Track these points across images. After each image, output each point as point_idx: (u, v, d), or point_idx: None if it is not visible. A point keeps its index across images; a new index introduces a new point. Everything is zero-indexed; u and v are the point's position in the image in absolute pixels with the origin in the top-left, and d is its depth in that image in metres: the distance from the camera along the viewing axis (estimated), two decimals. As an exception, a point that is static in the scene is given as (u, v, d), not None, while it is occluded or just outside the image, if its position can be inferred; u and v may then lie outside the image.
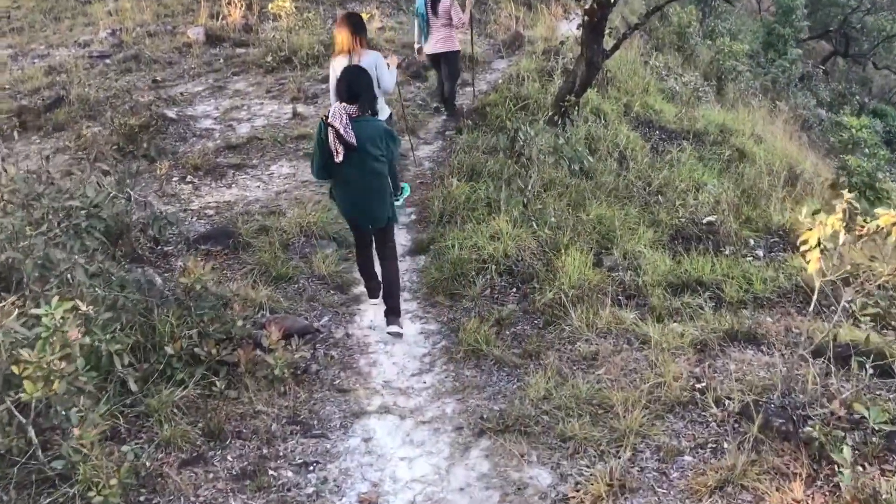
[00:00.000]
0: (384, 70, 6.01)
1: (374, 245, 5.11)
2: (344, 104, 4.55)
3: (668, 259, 5.87)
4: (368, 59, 5.85)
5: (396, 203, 6.51)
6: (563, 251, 5.67)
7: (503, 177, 7.12)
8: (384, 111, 6.23)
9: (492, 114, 8.90)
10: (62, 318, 3.42)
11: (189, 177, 7.60)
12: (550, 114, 8.31)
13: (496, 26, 13.43)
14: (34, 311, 3.51)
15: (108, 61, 11.37)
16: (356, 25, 6.02)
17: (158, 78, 10.73)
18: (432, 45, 8.69)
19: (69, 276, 3.89)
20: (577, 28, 8.38)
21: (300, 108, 9.28)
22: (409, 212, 6.81)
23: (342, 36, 5.97)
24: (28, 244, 3.92)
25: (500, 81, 10.16)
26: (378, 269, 5.14)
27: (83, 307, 3.54)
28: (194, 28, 12.04)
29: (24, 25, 13.79)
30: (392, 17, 13.57)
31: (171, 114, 9.06)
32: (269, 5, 11.75)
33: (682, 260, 5.90)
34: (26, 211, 4.63)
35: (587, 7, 7.69)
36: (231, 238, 6.03)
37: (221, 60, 11.30)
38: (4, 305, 3.41)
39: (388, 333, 4.95)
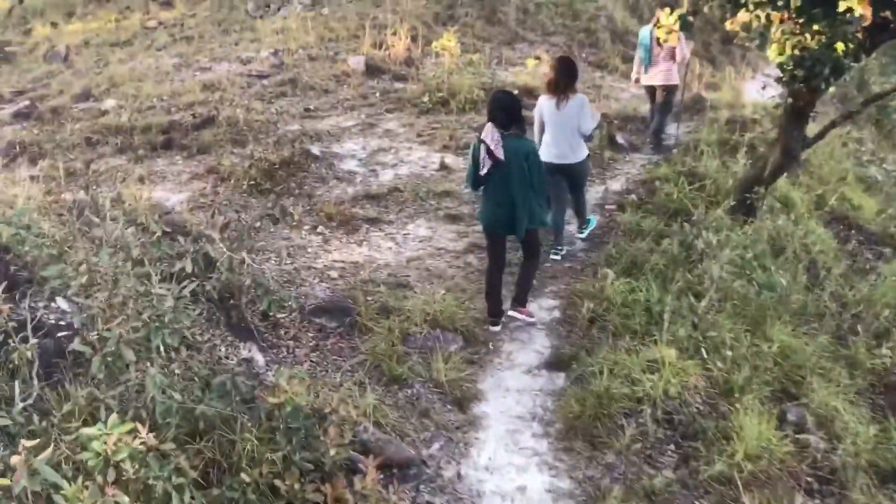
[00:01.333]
0: (586, 114, 6.46)
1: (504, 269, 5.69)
2: (495, 124, 5.08)
3: (870, 426, 4.68)
4: (574, 102, 6.37)
5: (580, 235, 7.11)
6: (737, 396, 4.62)
7: (670, 278, 6.12)
8: (583, 151, 6.63)
9: (661, 190, 7.88)
10: (116, 445, 2.82)
11: (321, 227, 7.07)
12: (732, 203, 7.19)
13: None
14: (86, 430, 2.92)
15: (265, 82, 11.23)
16: (567, 70, 6.49)
17: (311, 106, 10.43)
18: (652, 77, 8.98)
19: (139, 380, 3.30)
20: (771, 98, 7.36)
21: (448, 160, 8.61)
22: (552, 306, 5.93)
23: (552, 77, 6.52)
24: (100, 332, 3.36)
25: (675, 151, 9.11)
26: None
27: (143, 432, 2.93)
28: (355, 57, 11.73)
29: (194, 35, 14.05)
30: (561, 63, 12.77)
31: (315, 150, 8.64)
32: (434, 43, 11.24)
33: (889, 428, 4.71)
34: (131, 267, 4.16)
35: (793, 89, 6.57)
36: (349, 316, 5.37)
37: (377, 94, 10.88)
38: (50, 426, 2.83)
39: (508, 315, 5.60)
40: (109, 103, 10.78)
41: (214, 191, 7.89)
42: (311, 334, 5.24)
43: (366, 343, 5.09)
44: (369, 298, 5.71)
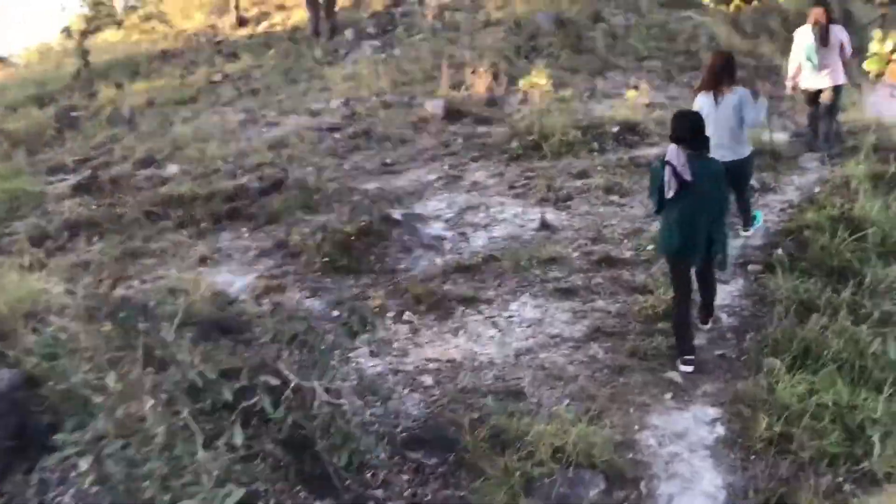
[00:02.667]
0: (748, 107, 6.32)
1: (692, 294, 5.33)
2: (681, 145, 4.96)
3: None
4: (733, 96, 6.31)
5: (746, 233, 6.89)
6: None
7: (858, 369, 4.79)
8: (747, 147, 6.54)
9: (814, 242, 6.52)
10: None
11: (407, 313, 5.99)
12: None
13: (792, 106, 10.92)
14: None
15: (337, 135, 10.33)
16: (724, 64, 6.42)
17: (388, 160, 9.45)
18: (818, 79, 8.46)
19: None
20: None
21: (550, 217, 7.44)
22: (712, 418, 4.64)
23: (710, 74, 6.47)
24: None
25: (818, 191, 7.71)
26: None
27: None
28: (433, 101, 10.73)
29: (260, 87, 13.36)
30: (661, 91, 11.49)
31: (395, 214, 7.59)
32: (521, 81, 10.15)
33: None
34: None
35: None
36: (452, 450, 4.23)
37: (460, 140, 9.83)
38: None
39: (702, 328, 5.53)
40: (172, 169, 10.06)
41: (285, 268, 6.95)
42: (405, 476, 4.12)
43: (477, 493, 3.93)
44: (475, 417, 4.57)
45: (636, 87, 10.83)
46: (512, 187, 8.36)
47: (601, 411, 4.65)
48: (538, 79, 9.51)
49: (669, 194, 4.94)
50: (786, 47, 12.79)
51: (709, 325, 5.59)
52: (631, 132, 9.43)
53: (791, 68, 8.78)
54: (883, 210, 6.88)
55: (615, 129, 9.38)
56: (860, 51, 14.62)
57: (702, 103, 6.41)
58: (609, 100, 10.87)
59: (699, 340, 5.42)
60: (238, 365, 5.00)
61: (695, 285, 5.40)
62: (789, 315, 5.42)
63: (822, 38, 8.30)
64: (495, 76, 11.33)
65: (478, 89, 10.91)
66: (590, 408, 4.67)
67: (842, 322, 5.24)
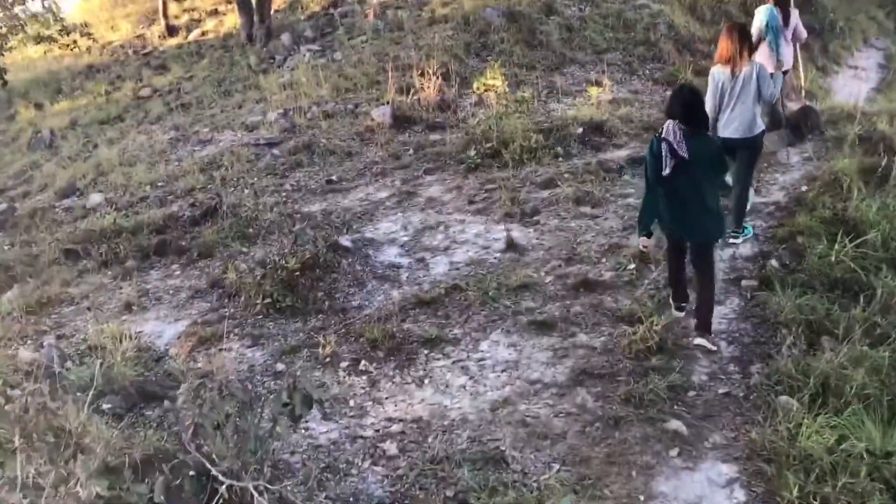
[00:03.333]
0: (765, 80, 6.06)
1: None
2: (677, 121, 4.81)
3: None
4: (749, 70, 6.01)
5: (735, 241, 6.36)
6: None
7: (888, 402, 4.19)
8: (761, 123, 6.25)
9: (810, 251, 5.92)
10: None
11: (364, 361, 5.25)
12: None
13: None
14: None
15: (276, 151, 9.51)
16: (742, 35, 6.08)
17: (333, 177, 8.68)
18: (785, 61, 8.23)
19: None
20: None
21: (516, 234, 6.76)
22: (727, 478, 3.96)
23: (725, 45, 6.07)
24: None
25: (806, 189, 7.14)
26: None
27: None
28: (380, 108, 9.96)
29: (191, 101, 12.44)
30: (624, 85, 10.88)
31: (344, 241, 6.85)
32: (475, 84, 9.45)
33: None
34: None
35: None
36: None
37: (411, 151, 9.09)
38: None
39: (695, 345, 5.06)
40: (95, 199, 9.17)
41: (221, 312, 6.15)
42: None
43: None
44: (449, 495, 3.86)
45: (598, 83, 10.20)
46: (472, 202, 7.65)
47: (598, 477, 3.97)
48: (493, 79, 8.81)
49: (666, 171, 4.82)
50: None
51: (707, 341, 5.06)
52: (597, 133, 8.78)
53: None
54: (883, 209, 6.32)
55: (580, 131, 8.72)
56: (821, 34, 14.28)
57: (718, 77, 6.12)
58: (570, 98, 10.22)
59: (699, 376, 4.77)
60: (164, 447, 4.26)
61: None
62: (798, 342, 4.80)
63: (786, 20, 8.05)
64: (446, 77, 10.59)
65: (428, 93, 10.17)
66: (585, 475, 3.98)
67: (859, 347, 4.64)
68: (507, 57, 11.39)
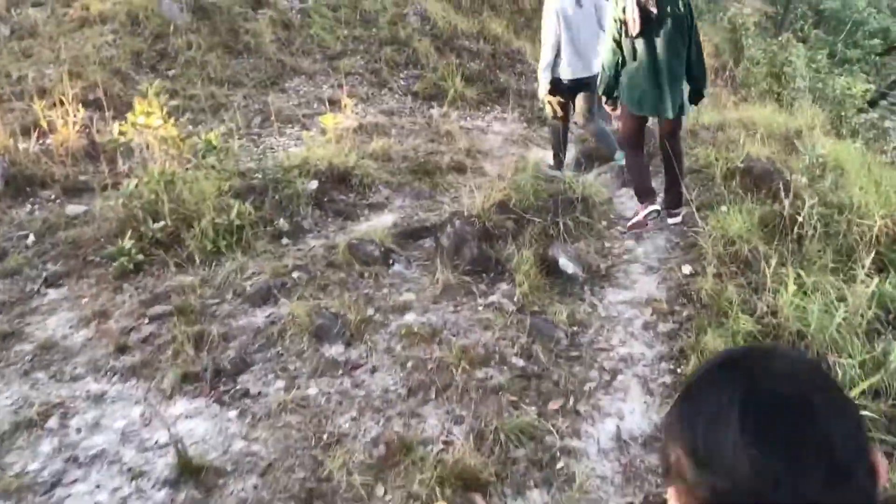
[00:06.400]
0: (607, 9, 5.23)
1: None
2: None
3: None
4: None
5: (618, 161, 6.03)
6: None
7: None
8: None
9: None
10: None
11: None
12: None
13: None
14: None
15: None
16: None
17: None
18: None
19: None
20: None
21: (201, 428, 3.47)
22: None
23: None
24: None
25: (689, 273, 4.52)
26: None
27: None
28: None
29: None
30: (374, 104, 7.87)
31: None
32: (120, 124, 5.89)
33: None
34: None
35: None
36: None
37: (30, 240, 5.43)
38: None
39: (669, 223, 5.06)
40: None
41: None
42: None
43: None
44: None
45: (336, 104, 7.11)
46: (124, 349, 4.21)
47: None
48: (148, 112, 5.37)
49: (635, 31, 4.56)
50: (521, 24, 9.88)
51: (679, 218, 5.01)
52: (341, 186, 5.69)
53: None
54: (824, 315, 3.79)
55: (313, 186, 5.57)
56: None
57: (561, 7, 5.60)
58: (295, 128, 7.03)
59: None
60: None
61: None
62: None
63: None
64: (99, 107, 6.96)
65: (65, 134, 6.48)
66: None
67: None
68: (198, 69, 7.97)
